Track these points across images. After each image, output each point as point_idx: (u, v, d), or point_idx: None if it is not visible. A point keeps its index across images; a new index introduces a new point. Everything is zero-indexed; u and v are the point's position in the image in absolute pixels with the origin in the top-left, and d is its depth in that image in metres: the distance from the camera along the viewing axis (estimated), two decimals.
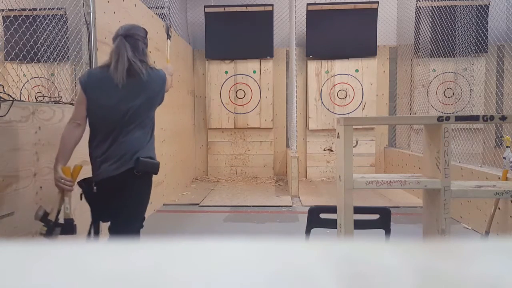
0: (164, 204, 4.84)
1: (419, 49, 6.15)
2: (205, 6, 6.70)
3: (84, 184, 2.13)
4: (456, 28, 5.86)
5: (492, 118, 1.82)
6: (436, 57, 5.96)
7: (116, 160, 2.05)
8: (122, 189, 2.09)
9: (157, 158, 2.20)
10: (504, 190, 1.85)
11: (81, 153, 2.26)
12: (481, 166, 3.90)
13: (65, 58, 3.13)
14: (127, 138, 2.06)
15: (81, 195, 2.15)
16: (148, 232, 3.73)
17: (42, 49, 2.98)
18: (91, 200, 2.16)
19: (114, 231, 2.15)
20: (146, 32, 2.24)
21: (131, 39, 2.11)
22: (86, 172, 2.19)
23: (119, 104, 2.05)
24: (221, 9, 6.65)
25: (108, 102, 2.06)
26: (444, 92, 6.31)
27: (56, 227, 2.01)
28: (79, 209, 2.43)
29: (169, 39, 3.07)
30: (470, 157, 4.37)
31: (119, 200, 2.11)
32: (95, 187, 2.10)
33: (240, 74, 6.76)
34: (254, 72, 6.74)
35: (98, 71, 2.18)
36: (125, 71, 2.05)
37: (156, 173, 2.16)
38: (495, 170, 3.55)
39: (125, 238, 2.10)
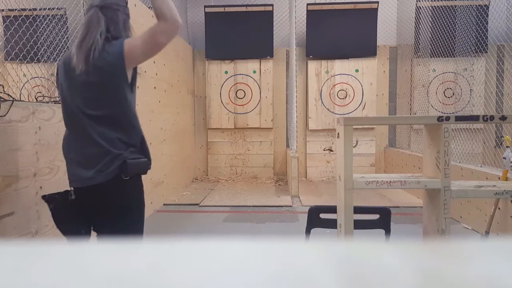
0: (164, 204, 4.84)
1: (419, 49, 6.15)
2: (205, 6, 6.70)
3: (58, 197, 1.76)
4: (456, 28, 5.86)
5: (492, 118, 1.82)
6: (436, 57, 5.96)
7: (94, 165, 1.65)
8: (106, 197, 1.70)
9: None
10: (504, 190, 1.85)
11: None
12: (481, 166, 3.90)
13: None
14: (103, 138, 1.65)
15: (50, 209, 1.75)
16: (148, 232, 3.73)
17: (42, 49, 2.98)
18: (64, 214, 1.75)
19: None
20: (127, 1, 1.83)
21: (109, 10, 1.70)
22: None
23: (77, 95, 1.67)
24: (221, 9, 6.65)
25: (67, 91, 1.70)
26: (444, 92, 6.31)
27: None
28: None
29: None
30: (470, 157, 4.37)
31: (103, 211, 1.72)
32: (73, 196, 1.72)
33: (240, 74, 6.76)
34: (254, 72, 6.74)
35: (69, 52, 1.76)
36: (89, 51, 1.62)
37: (145, 173, 1.78)
38: (495, 170, 3.55)
39: None
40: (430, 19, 6.03)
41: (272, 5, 6.64)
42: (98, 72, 1.63)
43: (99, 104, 1.66)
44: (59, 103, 2.70)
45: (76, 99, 1.68)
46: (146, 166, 1.77)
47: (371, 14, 6.47)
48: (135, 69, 1.73)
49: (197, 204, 4.86)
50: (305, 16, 6.56)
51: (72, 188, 1.75)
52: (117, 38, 1.69)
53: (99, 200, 1.70)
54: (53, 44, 3.10)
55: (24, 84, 3.30)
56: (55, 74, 1.81)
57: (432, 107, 6.26)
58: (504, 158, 3.19)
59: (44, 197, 1.77)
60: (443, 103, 6.29)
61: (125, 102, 1.68)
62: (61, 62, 1.77)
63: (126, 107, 1.69)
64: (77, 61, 1.62)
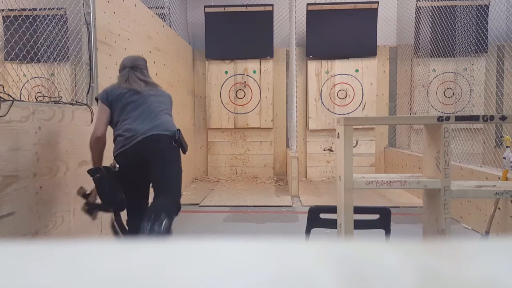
0: None
1: (419, 49, 6.14)
2: (205, 6, 6.70)
3: (101, 171, 2.37)
4: (456, 28, 5.86)
5: (492, 118, 1.82)
6: (436, 57, 5.96)
7: (154, 126, 2.41)
8: (158, 157, 2.37)
9: None
10: (504, 190, 1.85)
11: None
12: (481, 166, 3.89)
13: (65, 58, 3.12)
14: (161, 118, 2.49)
15: (98, 179, 2.35)
16: None
17: (42, 49, 2.98)
18: (111, 186, 2.38)
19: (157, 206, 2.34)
20: (146, 61, 2.71)
21: (137, 68, 2.57)
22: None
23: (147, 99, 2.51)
24: (221, 9, 6.65)
25: (138, 101, 2.49)
26: (444, 92, 6.31)
27: (96, 208, 2.43)
28: None
29: None
30: (470, 157, 4.37)
31: (155, 169, 2.39)
32: (117, 165, 2.43)
33: (240, 74, 6.76)
34: (254, 72, 6.74)
35: (114, 87, 2.55)
36: (140, 82, 2.54)
37: (185, 152, 2.51)
38: (495, 170, 3.55)
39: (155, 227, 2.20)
40: (430, 19, 6.03)
41: (272, 5, 6.64)
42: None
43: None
44: (59, 103, 2.70)
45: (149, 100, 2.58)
46: (186, 145, 2.53)
47: (371, 14, 6.47)
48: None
49: (197, 204, 4.86)
50: (305, 16, 6.56)
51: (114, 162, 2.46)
52: None
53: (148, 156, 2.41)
54: (53, 44, 3.09)
55: (24, 84, 3.30)
56: (103, 105, 2.49)
57: (432, 107, 6.26)
58: (504, 158, 3.19)
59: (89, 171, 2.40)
60: (443, 103, 6.29)
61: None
62: (109, 95, 2.50)
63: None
64: (138, 85, 2.53)
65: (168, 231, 2.16)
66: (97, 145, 2.38)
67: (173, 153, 2.44)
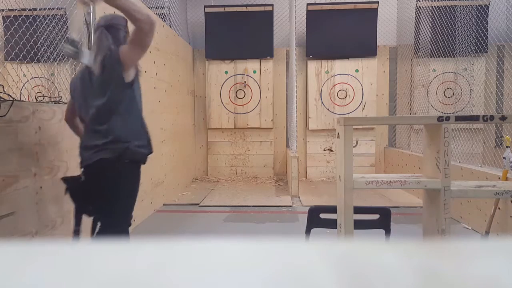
0: (164, 204, 4.84)
1: (419, 49, 6.14)
2: (205, 6, 6.71)
3: (71, 180, 2.11)
4: (456, 28, 5.86)
5: (492, 118, 1.82)
6: (436, 57, 5.96)
7: (99, 146, 2.02)
8: (107, 177, 2.04)
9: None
10: (504, 190, 1.85)
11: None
12: (481, 166, 3.89)
13: (65, 58, 3.12)
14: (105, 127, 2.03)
15: (66, 189, 2.10)
16: (148, 232, 3.73)
17: (42, 49, 2.98)
18: (76, 196, 2.10)
19: (101, 229, 2.13)
20: (126, 21, 2.14)
21: (113, 29, 2.11)
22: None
23: (88, 101, 2.08)
24: (221, 9, 6.65)
25: (81, 99, 2.12)
26: (444, 92, 6.31)
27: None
28: None
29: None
30: (470, 157, 4.37)
31: (103, 189, 2.05)
32: (83, 176, 2.09)
33: (240, 74, 6.76)
34: (254, 72, 6.74)
35: (81, 69, 2.21)
36: (102, 61, 2.01)
37: (143, 163, 2.13)
38: (495, 170, 3.55)
39: (111, 236, 2.10)
40: (430, 19, 6.03)
41: (272, 5, 6.64)
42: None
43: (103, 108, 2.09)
44: (59, 103, 2.70)
45: (88, 104, 2.10)
46: (145, 157, 2.14)
47: (371, 14, 6.47)
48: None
49: (197, 204, 4.86)
50: (305, 16, 6.56)
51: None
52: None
53: (99, 176, 2.08)
54: (53, 44, 3.10)
55: (24, 84, 3.30)
56: (70, 91, 2.25)
57: (432, 107, 6.26)
58: (504, 158, 3.19)
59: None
60: (443, 103, 6.29)
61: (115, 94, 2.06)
62: (71, 81, 2.24)
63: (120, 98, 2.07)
64: (95, 69, 2.01)
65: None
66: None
67: None
